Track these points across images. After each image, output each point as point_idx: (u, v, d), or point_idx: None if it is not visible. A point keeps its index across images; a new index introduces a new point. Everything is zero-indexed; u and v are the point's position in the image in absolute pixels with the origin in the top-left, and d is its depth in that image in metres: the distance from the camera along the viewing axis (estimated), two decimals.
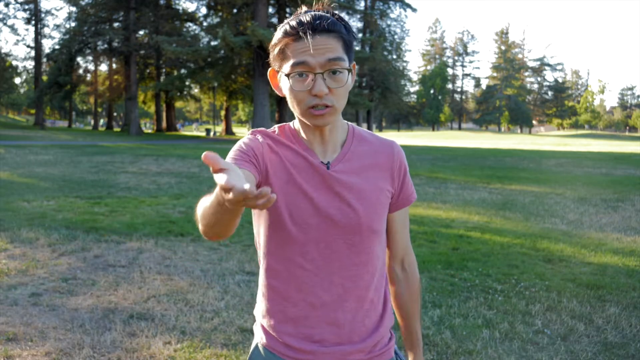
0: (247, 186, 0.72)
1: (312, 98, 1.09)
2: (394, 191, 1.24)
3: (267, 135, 1.22)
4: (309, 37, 1.07)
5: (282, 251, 1.19)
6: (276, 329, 1.22)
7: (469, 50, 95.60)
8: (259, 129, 1.24)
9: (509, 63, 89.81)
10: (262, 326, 1.25)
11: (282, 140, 1.21)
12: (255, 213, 1.23)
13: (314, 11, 1.12)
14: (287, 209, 1.16)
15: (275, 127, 1.25)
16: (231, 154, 1.15)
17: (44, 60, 47.03)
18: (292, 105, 1.14)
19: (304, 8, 1.13)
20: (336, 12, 1.14)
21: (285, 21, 1.13)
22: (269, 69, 1.19)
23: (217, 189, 0.83)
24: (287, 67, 1.10)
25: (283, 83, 1.14)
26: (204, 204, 0.95)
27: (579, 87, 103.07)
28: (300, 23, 1.08)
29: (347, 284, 1.18)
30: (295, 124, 1.24)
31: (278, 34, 1.12)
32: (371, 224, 1.19)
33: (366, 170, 1.21)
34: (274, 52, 1.14)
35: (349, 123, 1.27)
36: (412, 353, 1.35)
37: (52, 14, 65.50)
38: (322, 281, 1.17)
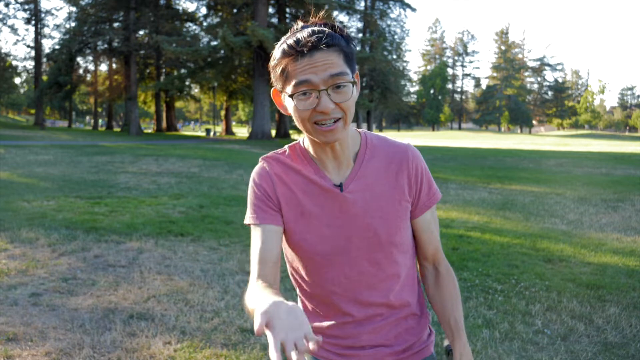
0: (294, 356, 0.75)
1: (317, 114, 1.07)
2: (412, 199, 1.22)
3: (278, 162, 1.21)
4: (308, 55, 1.04)
5: (312, 279, 1.22)
6: None
7: (469, 50, 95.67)
8: (269, 155, 1.24)
9: (509, 63, 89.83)
10: None
11: (292, 165, 1.20)
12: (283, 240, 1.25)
13: (311, 26, 1.09)
14: (306, 241, 1.18)
15: (287, 148, 1.24)
16: (250, 204, 1.20)
17: (44, 60, 47.00)
18: (298, 124, 1.12)
19: (300, 23, 1.11)
20: (335, 22, 1.11)
21: (283, 39, 1.11)
22: (272, 89, 1.17)
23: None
24: (290, 88, 1.08)
25: (287, 103, 1.12)
26: (250, 303, 1.00)
27: (579, 87, 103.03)
28: (297, 41, 1.06)
29: (379, 300, 1.20)
30: (305, 141, 1.22)
31: (277, 53, 1.10)
32: (392, 239, 1.18)
33: (381, 183, 1.19)
34: (275, 73, 1.12)
35: (361, 131, 1.25)
36: (452, 338, 1.27)
37: (52, 14, 65.41)
38: (354, 302, 1.20)
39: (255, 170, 1.22)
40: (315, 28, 1.08)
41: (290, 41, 1.07)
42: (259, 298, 0.95)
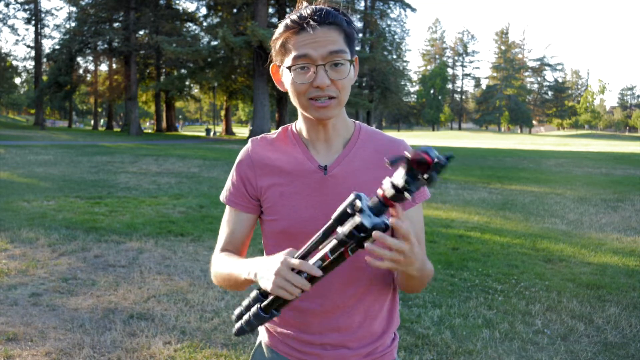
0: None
1: (313, 89, 1.08)
2: None
3: (265, 142, 1.23)
4: (310, 29, 1.06)
5: None
6: (279, 332, 1.23)
7: (469, 50, 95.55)
8: (258, 136, 1.25)
9: (509, 63, 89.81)
10: (266, 327, 1.27)
11: (279, 145, 1.21)
12: (261, 223, 1.25)
13: (315, 5, 1.11)
14: (283, 221, 1.17)
15: (279, 130, 1.24)
16: (228, 185, 1.25)
17: (44, 60, 46.92)
18: (293, 98, 1.13)
19: (304, 3, 1.13)
20: (338, 4, 1.13)
21: (287, 16, 1.13)
22: (271, 65, 1.18)
23: (246, 276, 1.09)
24: (288, 60, 1.10)
25: (285, 77, 1.13)
26: (223, 271, 1.19)
27: (579, 87, 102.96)
28: (301, 16, 1.08)
29: (348, 290, 1.17)
30: (298, 124, 1.22)
31: (279, 28, 1.13)
32: None
33: (366, 173, 1.17)
34: (275, 47, 1.14)
35: (357, 122, 1.25)
36: None
37: (52, 14, 65.53)
38: (322, 290, 1.14)
39: (240, 153, 1.24)
40: (319, 6, 1.10)
41: (294, 16, 1.10)
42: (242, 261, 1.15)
